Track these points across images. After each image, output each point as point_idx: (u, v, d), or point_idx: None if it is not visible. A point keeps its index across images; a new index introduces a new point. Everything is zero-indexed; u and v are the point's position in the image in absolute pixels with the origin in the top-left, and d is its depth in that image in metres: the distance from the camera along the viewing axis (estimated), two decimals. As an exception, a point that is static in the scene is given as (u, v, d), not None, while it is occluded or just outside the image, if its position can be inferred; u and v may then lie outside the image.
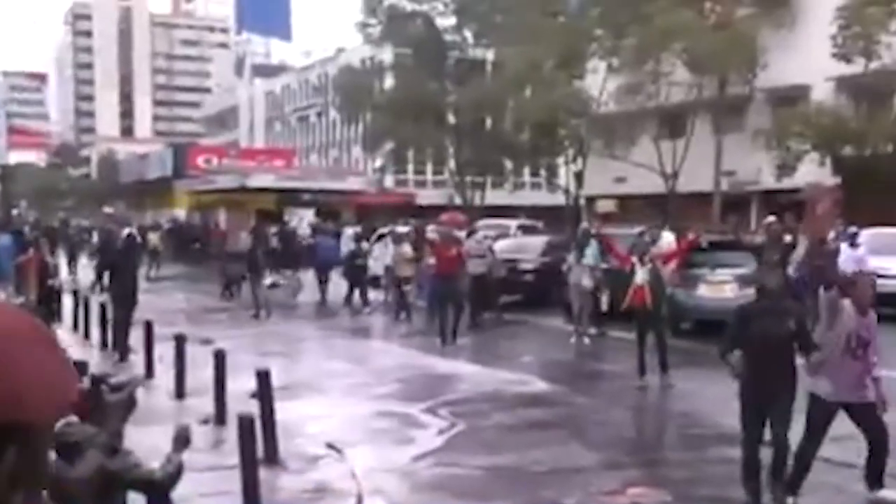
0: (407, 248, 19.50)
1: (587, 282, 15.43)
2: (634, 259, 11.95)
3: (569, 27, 36.24)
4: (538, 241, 21.90)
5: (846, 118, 27.37)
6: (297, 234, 24.71)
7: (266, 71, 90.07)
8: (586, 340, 15.37)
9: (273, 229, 28.66)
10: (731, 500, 7.24)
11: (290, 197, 36.00)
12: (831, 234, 16.11)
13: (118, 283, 14.20)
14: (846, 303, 6.95)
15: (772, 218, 16.97)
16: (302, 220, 31.54)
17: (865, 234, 18.15)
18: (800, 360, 7.04)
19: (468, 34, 44.91)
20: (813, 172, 27.81)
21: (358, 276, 20.66)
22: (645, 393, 11.37)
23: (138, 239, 17.56)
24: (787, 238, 15.16)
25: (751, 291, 14.52)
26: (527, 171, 51.51)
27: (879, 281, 16.34)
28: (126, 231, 15.05)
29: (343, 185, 39.61)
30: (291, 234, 24.74)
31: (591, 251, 15.83)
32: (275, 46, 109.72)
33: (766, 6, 30.81)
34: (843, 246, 15.26)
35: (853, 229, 16.18)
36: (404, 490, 7.60)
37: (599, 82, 35.08)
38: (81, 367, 6.72)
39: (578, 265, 15.67)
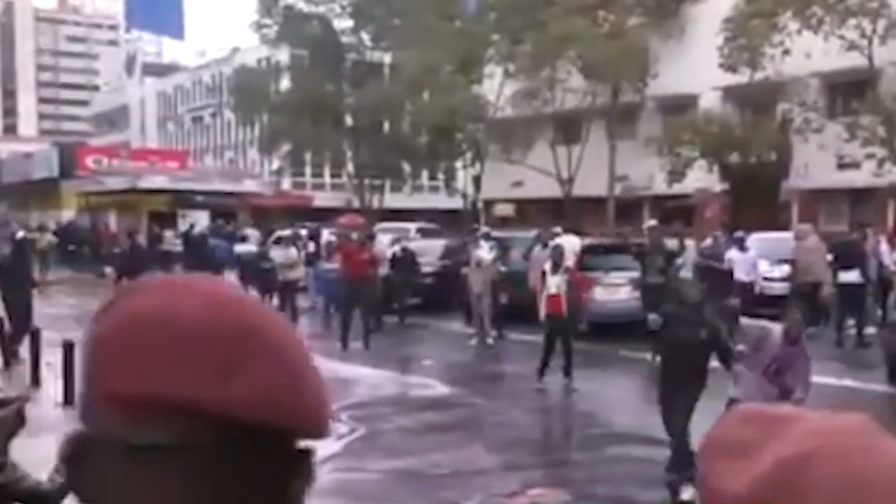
0: (293, 252, 19.37)
1: (486, 257, 15.45)
2: (546, 267, 11.88)
3: (465, 32, 36.52)
4: (437, 245, 21.96)
5: (732, 126, 28.37)
6: (206, 238, 23.96)
7: (158, 70, 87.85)
8: (489, 341, 15.46)
9: (169, 233, 27.95)
10: (630, 498, 7.41)
11: (184, 199, 35.26)
12: (708, 240, 16.68)
13: (8, 289, 13.49)
14: (777, 329, 7.20)
15: (653, 222, 17.41)
16: (197, 223, 30.86)
17: (753, 239, 18.82)
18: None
19: (366, 37, 44.80)
20: (702, 178, 28.82)
21: (269, 280, 20.38)
22: (544, 394, 11.51)
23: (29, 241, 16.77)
24: (672, 242, 15.45)
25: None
26: (425, 174, 51.65)
27: (765, 284, 17.09)
28: (20, 233, 14.40)
29: (239, 187, 39.08)
30: (200, 238, 23.95)
31: (488, 254, 15.90)
32: (167, 45, 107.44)
33: (657, 17, 31.70)
34: (733, 250, 15.72)
35: (740, 234, 16.69)
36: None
37: (496, 87, 35.49)
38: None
39: (477, 269, 15.74)
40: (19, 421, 3.17)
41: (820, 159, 26.82)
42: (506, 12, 34.43)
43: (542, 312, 11.72)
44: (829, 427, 0.57)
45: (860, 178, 25.51)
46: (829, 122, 26.83)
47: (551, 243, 13.89)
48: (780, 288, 16.99)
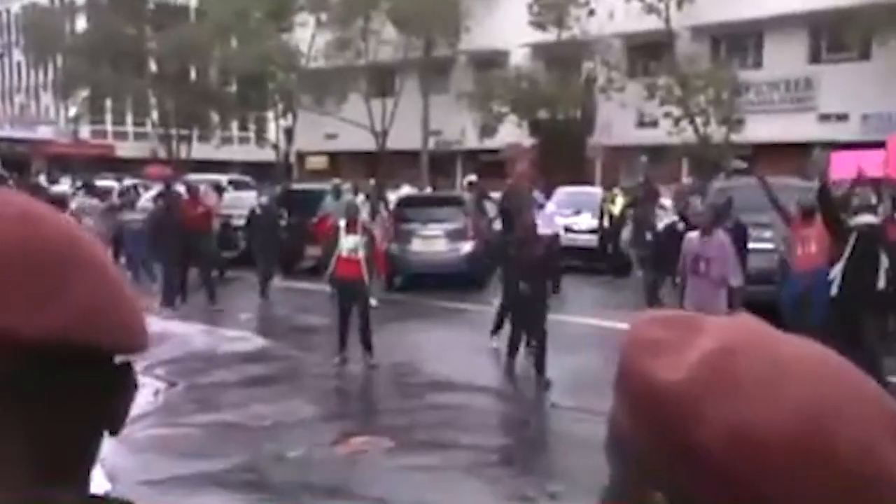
0: (94, 202, 18.56)
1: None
2: (341, 224, 10.37)
3: (275, -23, 35.65)
4: (251, 197, 21.47)
5: (541, 83, 29.25)
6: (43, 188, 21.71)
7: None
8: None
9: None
10: (447, 443, 7.64)
11: (-31, 146, 32.80)
12: (536, 193, 17.30)
13: None
14: (692, 233, 8.67)
15: (472, 177, 17.83)
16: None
17: (557, 193, 19.64)
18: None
19: (169, -23, 42.87)
20: (512, 134, 29.61)
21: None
22: (361, 346, 11.28)
23: None
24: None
25: (463, 245, 15.18)
26: (235, 125, 50.27)
27: (569, 235, 17.87)
28: None
29: (31, 135, 36.71)
30: (37, 188, 21.53)
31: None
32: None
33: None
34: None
35: (540, 196, 17.21)
36: (122, 453, 7.27)
37: (308, 37, 34.90)
38: None
39: None
40: None
41: (622, 117, 28.16)
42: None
43: (329, 274, 10.47)
44: (737, 325, 0.66)
45: (658, 136, 26.98)
46: (630, 81, 28.17)
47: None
48: (584, 240, 17.88)
